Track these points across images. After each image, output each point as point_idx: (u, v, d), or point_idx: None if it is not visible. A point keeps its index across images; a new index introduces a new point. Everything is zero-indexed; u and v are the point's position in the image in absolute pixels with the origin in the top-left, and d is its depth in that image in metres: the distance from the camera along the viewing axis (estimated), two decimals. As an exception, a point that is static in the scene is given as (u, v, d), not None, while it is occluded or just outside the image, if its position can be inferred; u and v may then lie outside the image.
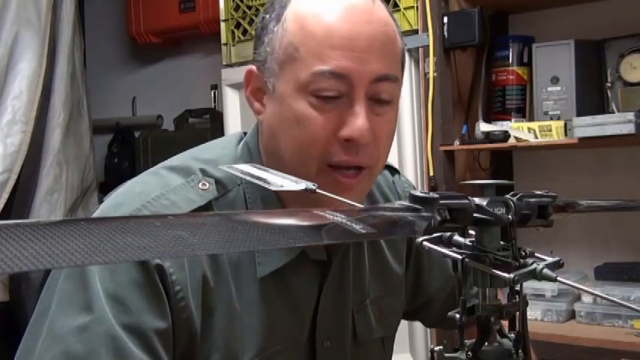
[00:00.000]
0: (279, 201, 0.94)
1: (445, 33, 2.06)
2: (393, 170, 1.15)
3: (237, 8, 2.54)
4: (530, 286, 1.93)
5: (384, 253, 1.08)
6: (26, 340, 0.85)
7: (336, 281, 0.99)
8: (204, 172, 0.93)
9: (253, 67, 0.95)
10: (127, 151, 3.38)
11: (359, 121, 0.87)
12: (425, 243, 0.62)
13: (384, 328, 1.08)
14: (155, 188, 0.90)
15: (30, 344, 0.84)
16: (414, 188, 1.21)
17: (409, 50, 2.08)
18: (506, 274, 0.60)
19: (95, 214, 0.92)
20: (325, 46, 0.87)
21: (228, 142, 1.00)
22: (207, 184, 0.92)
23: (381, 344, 1.09)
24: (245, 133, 1.01)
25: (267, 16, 0.93)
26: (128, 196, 0.90)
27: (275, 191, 0.90)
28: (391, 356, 1.13)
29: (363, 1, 0.90)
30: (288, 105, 0.89)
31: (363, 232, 0.52)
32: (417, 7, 2.11)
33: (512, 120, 2.12)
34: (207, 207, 0.90)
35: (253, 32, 2.48)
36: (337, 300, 1.00)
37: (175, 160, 0.97)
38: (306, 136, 0.88)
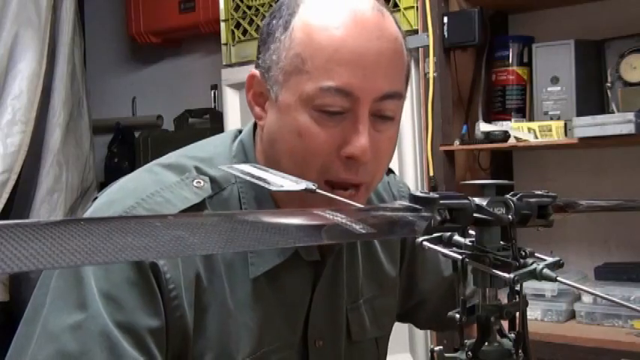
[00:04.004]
0: (273, 201, 0.94)
1: (445, 33, 2.06)
2: (388, 170, 1.14)
3: (237, 8, 2.54)
4: (530, 286, 1.93)
5: (377, 254, 1.08)
6: (18, 338, 0.85)
7: (329, 281, 0.99)
8: (198, 169, 0.93)
9: (256, 72, 0.93)
10: (127, 151, 3.38)
11: (361, 140, 0.86)
12: (425, 243, 0.62)
13: (377, 328, 1.08)
14: (149, 185, 0.90)
15: (23, 342, 0.83)
16: (409, 189, 1.21)
17: (409, 50, 2.08)
18: (506, 274, 0.60)
19: (88, 212, 0.91)
20: (333, 61, 0.85)
21: (222, 140, 0.99)
22: (202, 182, 0.91)
23: (374, 344, 1.09)
24: (240, 131, 1.00)
25: (275, 21, 0.91)
26: (122, 193, 0.90)
27: (269, 191, 0.90)
28: (385, 357, 1.13)
29: (373, 15, 0.88)
30: (291, 117, 0.88)
31: (363, 232, 0.52)
32: (417, 7, 2.11)
33: (512, 120, 2.12)
34: (201, 205, 0.89)
35: (253, 32, 2.50)
36: (330, 300, 0.99)
37: (170, 157, 0.96)
38: (307, 150, 0.87)
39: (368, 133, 0.86)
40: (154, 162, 0.96)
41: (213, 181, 0.92)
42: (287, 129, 0.89)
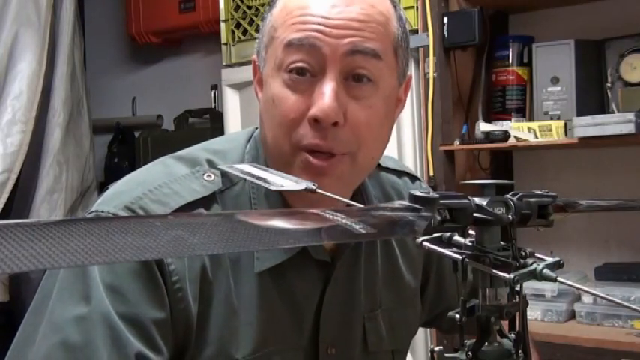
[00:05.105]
0: (282, 198, 0.93)
1: (445, 33, 2.06)
2: (414, 178, 1.12)
3: (237, 8, 2.54)
4: (530, 286, 1.93)
5: (398, 264, 1.05)
6: (25, 326, 0.85)
7: (342, 286, 0.97)
8: (211, 163, 0.92)
9: (255, 57, 0.95)
10: (127, 151, 3.38)
11: (324, 100, 0.84)
12: (425, 243, 0.62)
13: (394, 341, 1.05)
14: (159, 177, 0.89)
15: (30, 331, 0.83)
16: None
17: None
18: (506, 274, 0.60)
19: (98, 202, 0.91)
20: (298, 20, 0.86)
21: (239, 136, 0.99)
22: (213, 176, 0.91)
23: (391, 357, 1.06)
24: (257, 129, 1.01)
25: (267, 8, 0.94)
26: (131, 185, 0.90)
27: None
28: None
29: None
30: (269, 86, 0.88)
31: (363, 232, 0.52)
32: (417, 7, 2.11)
33: (512, 120, 2.12)
34: (210, 198, 0.89)
35: (253, 32, 2.50)
36: (345, 306, 0.97)
37: (185, 150, 0.96)
38: (279, 115, 0.87)
39: (335, 95, 0.84)
40: (169, 155, 0.96)
41: (224, 175, 0.91)
42: (266, 100, 0.89)
